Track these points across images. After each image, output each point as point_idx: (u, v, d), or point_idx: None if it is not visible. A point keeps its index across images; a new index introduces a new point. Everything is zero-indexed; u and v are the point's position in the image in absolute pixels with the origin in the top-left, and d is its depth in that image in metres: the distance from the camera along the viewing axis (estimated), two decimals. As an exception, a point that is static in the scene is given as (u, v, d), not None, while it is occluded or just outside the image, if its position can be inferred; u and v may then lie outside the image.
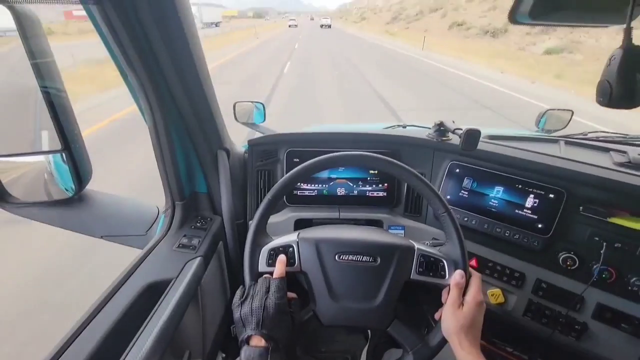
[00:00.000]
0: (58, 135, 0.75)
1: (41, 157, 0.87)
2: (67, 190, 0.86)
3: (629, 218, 0.86)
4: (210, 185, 1.03)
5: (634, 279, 0.83)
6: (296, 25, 51.95)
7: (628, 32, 0.50)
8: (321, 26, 48.75)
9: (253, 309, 0.62)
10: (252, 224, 0.72)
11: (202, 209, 1.05)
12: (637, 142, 1.16)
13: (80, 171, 0.82)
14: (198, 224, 0.98)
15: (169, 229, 0.94)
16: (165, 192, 0.95)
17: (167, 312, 0.70)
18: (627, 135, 1.24)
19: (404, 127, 1.36)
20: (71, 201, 0.90)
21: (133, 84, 0.77)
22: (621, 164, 0.93)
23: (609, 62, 0.53)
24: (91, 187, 0.90)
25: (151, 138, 0.85)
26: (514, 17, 0.63)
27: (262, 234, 0.73)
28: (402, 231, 1.13)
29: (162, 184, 0.94)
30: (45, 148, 0.81)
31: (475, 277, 0.69)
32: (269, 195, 0.72)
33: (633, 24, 0.52)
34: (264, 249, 0.71)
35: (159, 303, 0.72)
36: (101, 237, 0.96)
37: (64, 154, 0.78)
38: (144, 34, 0.70)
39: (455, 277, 0.68)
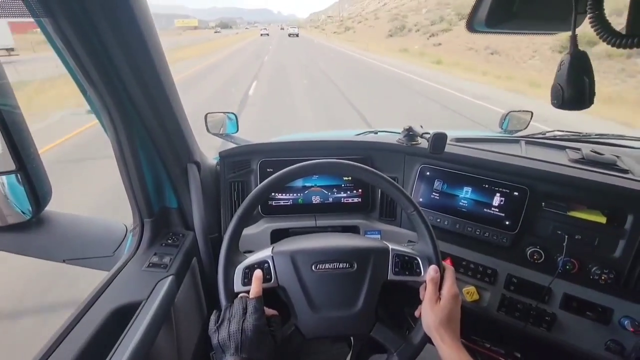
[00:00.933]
0: (11, 155, 0.70)
1: (-7, 179, 0.81)
2: (23, 212, 0.81)
3: (586, 211, 0.92)
4: (180, 200, 0.99)
5: (594, 268, 0.89)
6: (268, 34, 57.24)
7: (574, 39, 0.54)
8: (289, 35, 51.31)
9: (231, 333, 0.60)
10: (224, 243, 0.70)
11: (173, 225, 1.01)
12: (589, 140, 1.24)
13: (38, 192, 0.77)
14: (169, 241, 0.95)
15: (137, 247, 0.90)
16: (133, 210, 0.91)
17: (137, 336, 0.66)
18: (580, 133, 1.33)
19: (376, 132, 1.39)
20: (28, 224, 0.84)
21: (93, 99, 0.74)
22: (576, 161, 0.99)
23: (559, 67, 0.56)
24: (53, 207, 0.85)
25: (114, 153, 0.81)
26: (471, 26, 0.67)
27: (235, 252, 0.71)
28: (379, 235, 1.14)
29: (128, 201, 0.90)
30: (-3, 169, 0.75)
31: (449, 270, 0.71)
32: (239, 212, 0.70)
33: (579, 30, 0.57)
34: (238, 267, 0.69)
35: (127, 327, 0.68)
36: (63, 262, 0.90)
37: (18, 175, 0.73)
38: (102, 47, 0.67)
39: (430, 273, 0.69)
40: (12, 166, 0.71)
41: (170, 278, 0.82)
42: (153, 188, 0.93)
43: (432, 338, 0.66)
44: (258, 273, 0.68)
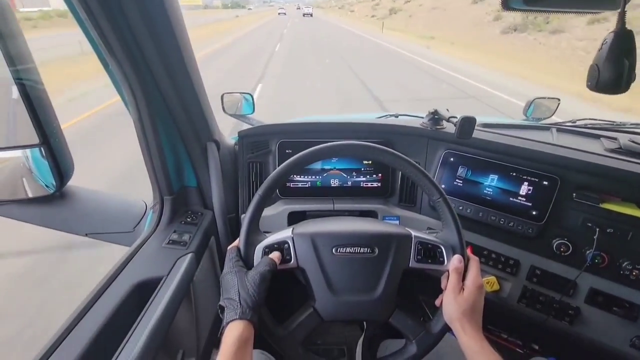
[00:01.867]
0: (35, 129, 0.70)
1: (18, 152, 0.82)
2: (47, 186, 0.82)
3: (621, 203, 0.87)
4: (200, 179, 0.99)
5: (625, 263, 0.85)
6: (285, 14, 60.54)
7: (622, 16, 0.49)
8: (303, 15, 52.98)
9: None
10: (244, 222, 0.69)
11: (192, 204, 1.01)
12: (626, 129, 1.17)
13: (61, 166, 0.77)
14: (188, 219, 0.95)
15: (157, 225, 0.91)
16: (153, 187, 0.91)
17: (158, 311, 0.67)
18: (614, 122, 1.26)
19: (397, 116, 1.34)
20: (52, 198, 0.85)
21: (116, 75, 0.73)
22: (612, 150, 0.94)
23: (601, 46, 0.52)
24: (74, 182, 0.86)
25: (136, 131, 0.81)
26: (507, 3, 0.62)
27: (255, 231, 0.70)
28: (397, 221, 1.12)
29: (149, 178, 0.90)
30: (22, 142, 0.76)
31: (474, 260, 0.69)
32: (260, 191, 0.69)
33: (627, 7, 0.51)
34: (257, 247, 0.68)
35: (149, 302, 0.69)
36: (86, 235, 0.92)
37: (42, 149, 0.73)
38: (126, 22, 0.66)
39: (454, 262, 0.67)
40: (36, 140, 0.71)
41: (189, 255, 0.83)
42: (173, 166, 0.93)
43: (453, 328, 0.64)
44: (276, 254, 0.67)
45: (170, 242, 0.86)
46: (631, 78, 0.51)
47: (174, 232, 0.89)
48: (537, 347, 1.04)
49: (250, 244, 0.68)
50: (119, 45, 0.66)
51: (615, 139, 1.00)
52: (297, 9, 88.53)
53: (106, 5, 0.62)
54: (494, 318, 1.06)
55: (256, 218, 0.70)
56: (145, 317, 0.67)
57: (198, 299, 0.86)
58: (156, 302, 0.70)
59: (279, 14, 61.37)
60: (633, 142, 0.95)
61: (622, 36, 0.50)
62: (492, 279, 1.00)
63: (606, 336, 0.89)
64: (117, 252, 0.85)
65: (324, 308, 0.67)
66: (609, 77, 0.51)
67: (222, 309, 0.61)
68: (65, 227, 0.91)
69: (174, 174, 0.93)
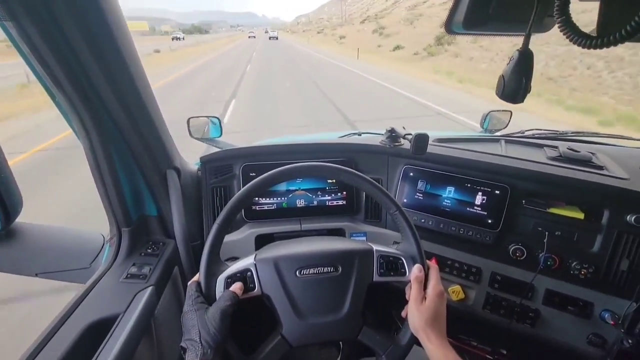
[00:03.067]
0: (-25, 165, 0.66)
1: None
2: (-10, 225, 0.77)
3: (565, 207, 0.94)
4: (160, 207, 0.97)
5: (574, 263, 0.90)
6: (254, 37, 66.58)
7: (527, 38, 0.56)
8: (269, 38, 57.24)
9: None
10: (204, 253, 0.67)
11: (153, 233, 0.98)
12: (566, 137, 1.28)
13: (7, 203, 0.73)
14: (149, 250, 0.92)
15: (115, 258, 0.87)
16: (109, 219, 0.88)
17: (114, 351, 0.63)
18: (557, 131, 1.36)
19: (359, 134, 1.39)
20: None
21: (63, 105, 0.71)
22: (554, 158, 1.02)
23: (509, 60, 0.59)
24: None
25: (88, 160, 0.78)
26: (449, 27, 0.68)
27: (216, 262, 0.69)
28: (364, 237, 1.13)
29: (104, 210, 0.87)
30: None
31: (433, 269, 0.71)
32: (218, 220, 0.68)
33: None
34: (219, 278, 0.67)
35: (103, 343, 0.65)
36: (36, 275, 0.86)
37: (-17, 185, 0.69)
38: (70, 49, 0.64)
39: (414, 272, 0.69)
40: (-24, 176, 0.67)
41: (149, 289, 0.79)
42: (130, 196, 0.90)
43: (419, 338, 0.66)
44: (237, 285, 0.66)
45: (129, 276, 0.82)
46: (526, 91, 0.58)
47: (133, 265, 0.86)
48: (505, 352, 1.06)
49: (211, 276, 0.66)
50: (65, 77, 0.65)
51: (556, 147, 1.08)
52: (265, 32, 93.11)
53: (50, 38, 0.60)
54: (462, 326, 1.09)
55: (216, 248, 0.68)
56: (100, 359, 0.63)
57: (161, 335, 0.82)
58: (112, 342, 0.66)
59: (249, 37, 68.50)
60: (571, 149, 1.03)
61: (524, 56, 0.56)
62: (457, 288, 1.03)
63: (565, 335, 0.94)
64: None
65: (291, 333, 0.67)
66: (511, 88, 0.57)
67: (185, 350, 0.59)
68: (13, 269, 0.85)
69: (131, 203, 0.90)
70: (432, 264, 0.72)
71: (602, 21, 0.50)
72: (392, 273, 0.71)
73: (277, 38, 56.94)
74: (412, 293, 0.68)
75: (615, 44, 0.44)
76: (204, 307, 0.61)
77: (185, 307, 0.63)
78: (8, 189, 0.72)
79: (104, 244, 0.95)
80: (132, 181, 0.90)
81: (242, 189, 0.70)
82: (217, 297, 0.65)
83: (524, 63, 0.55)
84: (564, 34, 0.46)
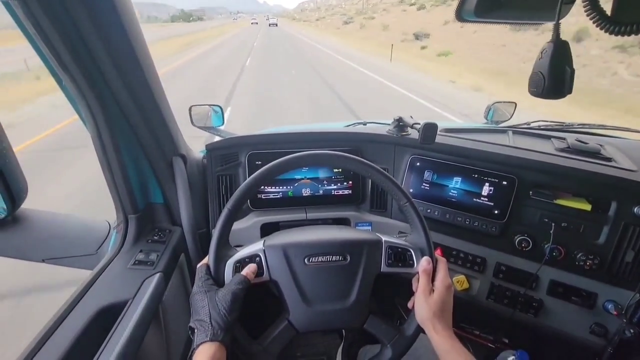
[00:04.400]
0: (-19, 151, 0.66)
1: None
2: (-3, 211, 0.76)
3: (572, 199, 0.94)
4: (166, 195, 0.96)
5: (580, 254, 0.91)
6: (257, 23, 71.47)
7: (557, 27, 0.54)
8: (269, 25, 59.72)
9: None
10: (214, 237, 0.67)
11: (160, 221, 0.98)
12: (573, 129, 1.27)
13: (12, 189, 0.73)
14: (156, 237, 0.92)
15: (122, 245, 0.87)
16: (116, 206, 0.88)
17: (124, 336, 0.64)
18: (563, 123, 1.35)
19: (365, 124, 1.38)
20: (3, 223, 0.79)
21: (70, 91, 0.70)
22: (562, 150, 1.01)
23: (541, 55, 0.56)
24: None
25: (95, 149, 0.78)
26: (460, 15, 0.66)
27: (225, 246, 0.69)
28: (369, 227, 1.14)
29: (111, 197, 0.86)
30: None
31: (441, 262, 0.71)
32: (229, 205, 0.68)
33: (563, 21, 0.57)
34: (228, 262, 0.67)
35: (114, 328, 0.66)
36: (42, 261, 0.86)
37: (-11, 170, 0.68)
38: (77, 33, 0.63)
39: (423, 264, 0.69)
40: (-18, 161, 0.66)
41: (157, 275, 0.80)
42: (137, 183, 0.89)
43: (425, 329, 0.66)
44: (252, 267, 0.66)
45: (136, 262, 0.82)
46: (572, 83, 0.55)
47: (140, 251, 0.86)
48: (507, 341, 1.08)
49: (220, 260, 0.67)
50: (72, 61, 0.63)
51: (564, 139, 1.08)
52: (267, 19, 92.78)
53: (57, 20, 0.59)
54: (465, 315, 1.10)
55: (226, 232, 0.68)
56: (110, 344, 0.63)
57: (168, 320, 0.83)
58: (122, 327, 0.66)
59: (251, 23, 75.38)
60: (579, 141, 1.03)
61: (560, 46, 0.54)
62: (462, 277, 1.03)
63: (568, 325, 0.95)
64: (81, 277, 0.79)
65: (298, 320, 0.67)
66: (554, 83, 0.55)
67: (193, 330, 0.59)
68: (20, 254, 0.85)
69: (138, 190, 0.89)
70: (441, 257, 0.72)
71: (616, 7, 0.49)
72: (400, 264, 0.71)
73: (276, 25, 59.86)
74: (420, 285, 0.68)
75: None
76: (214, 289, 0.62)
77: (195, 288, 0.63)
78: (13, 175, 0.72)
79: (110, 231, 0.95)
80: (139, 168, 0.90)
81: (254, 174, 0.70)
82: (226, 281, 0.65)
83: (562, 52, 0.53)
84: (590, 19, 0.45)
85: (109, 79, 0.72)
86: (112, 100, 0.76)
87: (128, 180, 0.84)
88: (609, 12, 0.46)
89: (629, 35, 0.43)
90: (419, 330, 0.68)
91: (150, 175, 0.92)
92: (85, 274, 0.80)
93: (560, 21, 0.55)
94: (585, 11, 0.45)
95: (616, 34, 0.44)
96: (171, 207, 0.98)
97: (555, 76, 0.55)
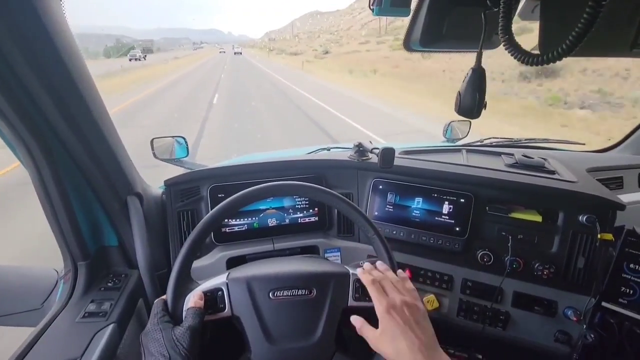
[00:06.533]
0: None
1: None
2: None
3: (524, 211, 0.99)
4: (121, 236, 0.91)
5: (537, 264, 0.95)
6: (224, 52, 74.18)
7: (479, 56, 0.60)
8: (234, 53, 64.97)
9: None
10: (174, 270, 0.64)
11: (114, 265, 0.91)
12: (520, 145, 1.36)
13: None
14: (110, 284, 0.85)
15: (70, 296, 0.80)
16: (63, 254, 0.81)
17: None
18: (512, 138, 1.45)
19: (328, 149, 1.40)
20: None
21: (6, 134, 0.65)
22: (510, 165, 1.08)
23: (465, 77, 0.62)
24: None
25: (36, 192, 0.72)
26: (407, 45, 0.71)
27: (185, 280, 0.65)
28: (339, 253, 1.13)
29: (57, 244, 0.80)
30: None
31: (368, 285, 0.63)
32: (191, 236, 0.66)
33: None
34: (187, 297, 0.64)
35: None
36: None
37: None
38: (10, 72, 0.58)
39: (359, 271, 0.68)
40: None
41: (110, 327, 0.73)
42: (87, 227, 0.84)
43: None
44: (196, 296, 0.62)
45: (86, 314, 0.76)
46: (481, 108, 0.61)
47: (92, 302, 0.79)
48: (480, 357, 1.08)
49: (180, 295, 0.63)
50: (7, 103, 0.59)
51: (512, 154, 1.15)
52: (233, 48, 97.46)
53: None
54: (439, 335, 1.09)
55: (187, 265, 0.65)
56: None
57: None
58: None
59: (219, 52, 79.32)
60: (525, 156, 1.10)
61: (477, 73, 0.60)
62: (432, 297, 1.04)
63: (534, 335, 0.97)
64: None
65: (260, 359, 0.64)
66: (467, 104, 0.60)
67: None
68: None
69: (88, 235, 0.84)
70: (365, 278, 0.65)
71: (542, 40, 0.55)
72: (367, 298, 0.69)
73: (241, 53, 66.84)
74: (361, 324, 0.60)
75: (554, 60, 0.48)
76: (170, 327, 0.58)
77: (149, 325, 0.58)
78: None
79: (57, 281, 0.87)
80: (89, 211, 0.84)
81: (216, 207, 0.68)
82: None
83: (477, 80, 0.58)
84: (508, 52, 0.50)
85: (51, 119, 0.67)
86: (56, 141, 0.71)
87: (76, 225, 0.78)
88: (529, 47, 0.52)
89: (541, 65, 0.47)
90: None
91: (103, 217, 0.87)
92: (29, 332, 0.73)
93: (483, 50, 0.61)
94: (504, 46, 0.50)
95: (531, 65, 0.48)
96: (127, 249, 0.92)
97: (469, 99, 0.60)
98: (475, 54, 0.70)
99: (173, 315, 0.61)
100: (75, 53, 0.67)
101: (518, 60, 0.49)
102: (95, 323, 0.74)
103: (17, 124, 0.63)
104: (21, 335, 0.73)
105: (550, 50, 0.46)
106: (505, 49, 0.50)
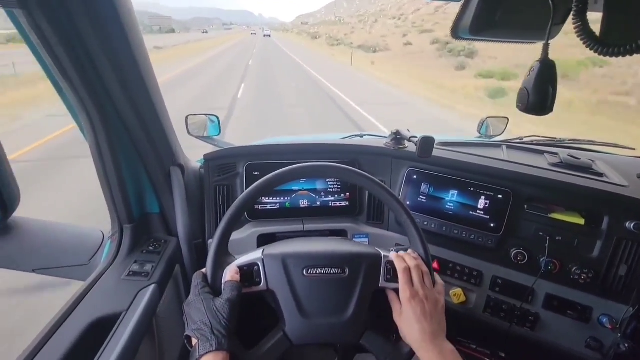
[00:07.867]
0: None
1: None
2: (-12, 219, 0.75)
3: (565, 213, 0.95)
4: (163, 205, 0.95)
5: (574, 268, 0.92)
6: (255, 34, 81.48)
7: (546, 47, 0.56)
8: (264, 35, 70.39)
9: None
10: (213, 244, 0.67)
11: (155, 231, 0.96)
12: (565, 145, 1.30)
13: (4, 196, 0.71)
14: (151, 248, 0.90)
15: (116, 255, 0.85)
16: (112, 216, 0.86)
17: (117, 350, 0.62)
18: (555, 138, 1.39)
19: (362, 136, 1.39)
20: None
21: (70, 99, 0.70)
22: (555, 165, 1.03)
23: (529, 72, 0.59)
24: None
25: (93, 157, 0.77)
26: (455, 33, 0.69)
27: (224, 253, 0.68)
28: (367, 239, 1.14)
29: (107, 206, 0.85)
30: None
31: (400, 271, 0.67)
32: (229, 212, 0.68)
33: (552, 41, 0.59)
34: (225, 270, 0.67)
35: (107, 341, 0.64)
36: (33, 271, 0.84)
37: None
38: (80, 42, 0.63)
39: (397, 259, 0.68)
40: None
41: (152, 287, 0.78)
42: (134, 193, 0.88)
43: (416, 352, 0.63)
44: (232, 271, 0.65)
45: (131, 273, 0.81)
46: (554, 101, 0.58)
47: (135, 262, 0.84)
48: (503, 355, 1.07)
49: (218, 268, 0.66)
50: (74, 69, 0.63)
51: (556, 154, 1.10)
52: (262, 31, 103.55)
53: (61, 30, 0.59)
54: (462, 329, 1.09)
55: (225, 241, 0.68)
56: (103, 357, 0.61)
57: (162, 333, 0.81)
58: (115, 340, 0.64)
59: (251, 34, 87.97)
60: (571, 156, 1.05)
61: (547, 65, 0.57)
62: (459, 291, 1.03)
63: (564, 339, 0.95)
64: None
65: (293, 331, 0.66)
66: (537, 100, 0.57)
67: (190, 339, 0.57)
68: (10, 264, 0.83)
69: (134, 200, 0.88)
70: (400, 264, 0.68)
71: (605, 31, 0.51)
72: (397, 280, 0.71)
73: (270, 36, 71.21)
74: (401, 291, 0.65)
75: (631, 53, 0.45)
76: (211, 297, 0.61)
77: (191, 296, 0.62)
78: (5, 183, 0.71)
79: (103, 241, 0.93)
80: (136, 178, 0.89)
81: (253, 185, 0.70)
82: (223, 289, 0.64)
83: (547, 72, 0.55)
84: (580, 40, 0.47)
85: (110, 88, 0.72)
86: (112, 109, 0.76)
87: (125, 190, 0.83)
88: (598, 34, 0.49)
89: (616, 56, 0.45)
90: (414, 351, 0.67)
91: (148, 185, 0.92)
92: (77, 285, 0.79)
93: (549, 41, 0.58)
94: (576, 33, 0.47)
95: (604, 55, 0.46)
96: (167, 217, 0.96)
97: (538, 94, 0.57)
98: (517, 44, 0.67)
99: (212, 287, 0.64)
100: (136, 27, 0.70)
101: (592, 49, 0.46)
102: (139, 282, 0.79)
103: (82, 92, 0.67)
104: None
105: (627, 43, 0.44)
106: (578, 37, 0.47)
